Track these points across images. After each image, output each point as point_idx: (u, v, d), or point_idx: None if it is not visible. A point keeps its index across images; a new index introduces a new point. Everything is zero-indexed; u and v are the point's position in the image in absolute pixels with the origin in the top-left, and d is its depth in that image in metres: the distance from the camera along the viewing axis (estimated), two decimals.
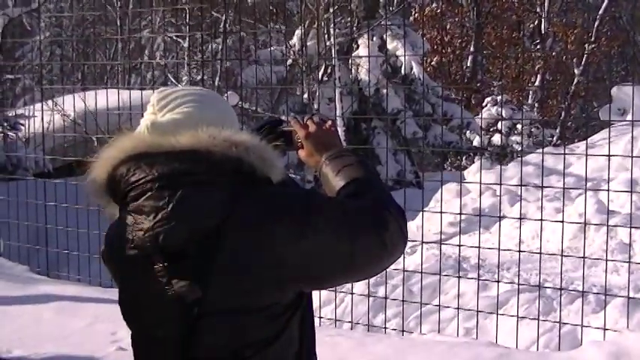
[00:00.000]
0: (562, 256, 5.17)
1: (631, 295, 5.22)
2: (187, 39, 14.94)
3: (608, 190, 5.59)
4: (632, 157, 5.97)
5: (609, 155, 5.07)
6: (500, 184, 6.26)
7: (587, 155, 5.52)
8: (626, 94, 11.70)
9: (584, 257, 4.98)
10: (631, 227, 5.48)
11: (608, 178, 6.36)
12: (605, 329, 4.81)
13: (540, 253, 5.16)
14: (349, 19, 15.98)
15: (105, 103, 6.78)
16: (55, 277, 6.82)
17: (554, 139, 18.51)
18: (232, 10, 14.99)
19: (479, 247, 5.32)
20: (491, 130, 16.69)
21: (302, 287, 1.62)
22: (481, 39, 21.83)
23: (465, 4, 22.23)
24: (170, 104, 1.68)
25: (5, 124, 11.78)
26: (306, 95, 14.57)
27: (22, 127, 11.70)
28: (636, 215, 7.70)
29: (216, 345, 1.56)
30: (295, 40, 15.47)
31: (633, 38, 25.22)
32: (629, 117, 10.40)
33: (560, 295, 5.55)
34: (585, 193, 6.30)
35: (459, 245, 5.53)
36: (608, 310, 5.74)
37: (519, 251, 5.23)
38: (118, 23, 21.66)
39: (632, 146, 7.78)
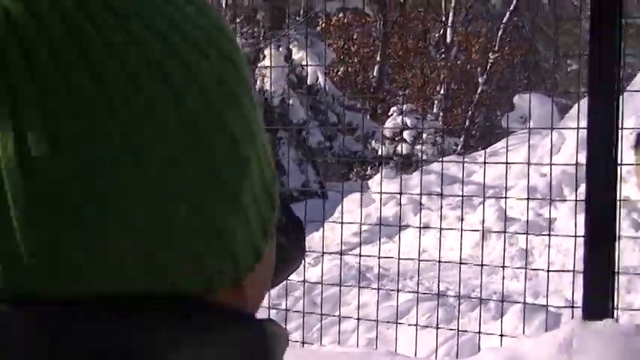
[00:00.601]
0: (460, 263, 5.20)
1: (529, 301, 5.29)
2: None
3: (505, 198, 5.66)
4: (528, 164, 6.05)
5: (506, 163, 5.13)
6: (401, 193, 6.29)
7: (485, 163, 5.58)
8: (527, 102, 11.94)
9: (482, 265, 5.02)
10: (527, 234, 5.55)
11: (506, 185, 6.45)
12: (501, 335, 4.85)
13: (439, 262, 5.18)
14: (255, 29, 15.95)
15: None
16: None
17: (459, 147, 18.77)
18: None
19: (379, 257, 5.31)
20: (397, 139, 16.83)
21: None
22: (387, 48, 22.03)
23: (372, 14, 22.41)
24: None
25: None
26: None
27: None
28: (534, 222, 7.83)
29: None
30: None
31: (535, 47, 25.81)
32: (529, 125, 10.59)
33: (459, 304, 5.59)
34: (484, 202, 6.37)
35: (359, 255, 5.52)
36: (507, 317, 5.80)
37: (419, 260, 5.25)
38: None
39: (528, 154, 7.90)
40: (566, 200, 8.07)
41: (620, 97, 2.84)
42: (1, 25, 0.50)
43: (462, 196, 5.65)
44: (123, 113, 0.51)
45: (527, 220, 6.40)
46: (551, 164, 5.92)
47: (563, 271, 5.90)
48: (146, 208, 0.53)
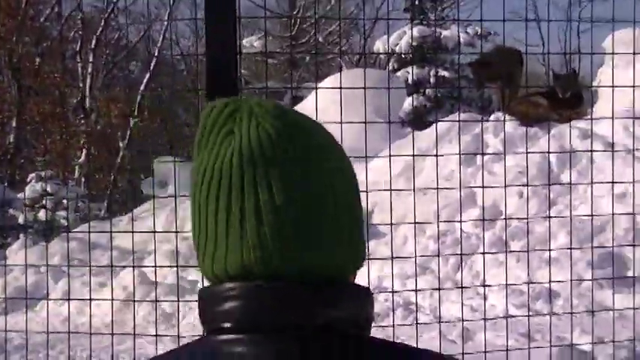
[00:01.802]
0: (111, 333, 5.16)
1: None
2: None
3: (155, 265, 5.70)
4: (176, 232, 6.16)
5: (154, 232, 5.19)
6: (47, 264, 6.12)
7: (132, 232, 5.60)
8: (166, 167, 12.15)
9: (134, 333, 5.02)
10: (178, 300, 5.61)
11: (155, 248, 6.52)
12: None
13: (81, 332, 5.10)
14: None
15: None
16: None
17: (102, 212, 18.59)
18: None
19: (26, 330, 5.13)
20: (37, 206, 16.32)
21: None
22: (24, 114, 21.35)
23: (5, 80, 21.64)
24: None
25: None
26: None
27: None
28: (180, 286, 7.94)
29: None
30: None
31: (175, 112, 26.33)
32: (170, 189, 10.80)
33: None
34: (133, 267, 6.38)
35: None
36: None
37: (65, 332, 5.13)
38: None
39: (175, 217, 8.06)
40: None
41: None
42: (267, 142, 1.07)
43: (111, 265, 5.60)
44: (319, 185, 1.09)
45: (178, 285, 6.49)
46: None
47: (192, 336, 6.02)
48: (344, 218, 1.12)
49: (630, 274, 6.53)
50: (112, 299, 5.17)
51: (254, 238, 1.05)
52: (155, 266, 6.04)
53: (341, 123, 3.64)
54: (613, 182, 4.68)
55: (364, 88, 3.82)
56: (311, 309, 1.06)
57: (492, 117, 9.46)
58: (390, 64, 19.31)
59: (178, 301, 5.47)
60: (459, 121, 5.71)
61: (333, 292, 1.08)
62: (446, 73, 18.24)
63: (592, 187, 4.72)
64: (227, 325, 1.07)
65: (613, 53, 6.46)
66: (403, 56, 18.84)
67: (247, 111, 1.09)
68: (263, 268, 1.06)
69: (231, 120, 1.09)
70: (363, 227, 1.17)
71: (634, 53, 4.69)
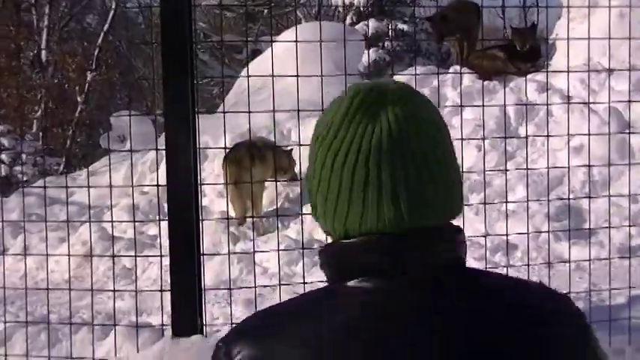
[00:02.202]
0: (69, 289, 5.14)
1: (133, 319, 5.36)
2: None
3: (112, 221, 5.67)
4: (132, 186, 6.10)
5: (111, 186, 5.15)
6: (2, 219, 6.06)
7: (89, 187, 5.56)
8: (124, 122, 12.04)
9: (92, 289, 5.00)
10: (136, 255, 5.58)
11: (111, 204, 6.49)
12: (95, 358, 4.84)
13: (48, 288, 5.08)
14: None
15: None
16: None
17: (61, 167, 18.43)
18: None
19: None
20: None
21: None
22: None
23: None
24: None
25: None
26: None
27: None
28: (137, 240, 7.92)
29: None
30: None
31: (134, 65, 26.06)
32: (129, 144, 10.72)
33: (71, 326, 5.51)
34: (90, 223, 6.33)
35: None
36: (111, 338, 5.81)
37: (26, 287, 5.10)
38: None
39: (132, 172, 8.00)
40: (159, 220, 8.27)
41: (197, 116, 3.00)
42: (406, 125, 1.34)
43: (67, 221, 5.56)
44: (439, 155, 1.35)
45: (135, 239, 6.46)
46: (158, 184, 6.03)
47: (151, 291, 6.03)
48: (454, 180, 1.38)
49: (586, 225, 6.62)
50: (70, 254, 5.15)
51: (389, 200, 1.30)
52: (112, 221, 6.01)
53: (297, 76, 3.63)
54: (569, 135, 4.72)
55: (320, 41, 3.81)
56: (436, 251, 1.34)
57: (451, 70, 9.46)
58: (349, 17, 19.21)
59: (136, 256, 5.48)
60: (415, 74, 5.71)
61: (449, 237, 1.37)
62: (405, 27, 18.19)
63: (548, 140, 4.79)
64: (369, 269, 1.32)
65: (568, 7, 6.48)
66: (362, 9, 18.75)
67: (391, 97, 1.35)
68: (396, 225, 1.31)
69: (377, 104, 1.34)
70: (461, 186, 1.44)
71: (589, 7, 4.71)
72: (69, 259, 5.19)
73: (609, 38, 4.25)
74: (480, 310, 1.31)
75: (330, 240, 1.39)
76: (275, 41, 7.02)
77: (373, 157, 1.30)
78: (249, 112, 3.64)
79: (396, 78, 8.41)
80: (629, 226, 5.02)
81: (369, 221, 1.31)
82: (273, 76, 3.68)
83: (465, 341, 1.29)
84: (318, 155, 1.36)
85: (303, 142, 4.71)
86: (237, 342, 1.34)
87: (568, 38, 4.46)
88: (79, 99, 21.13)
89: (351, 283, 1.32)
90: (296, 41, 3.82)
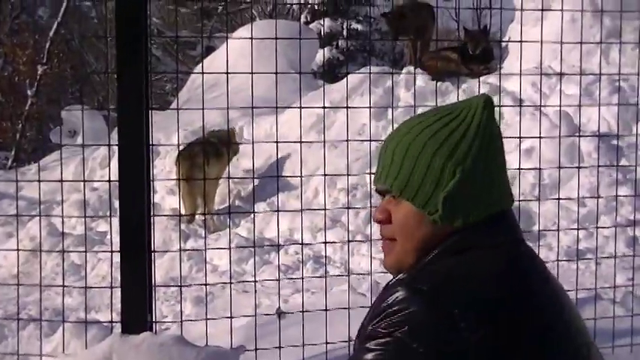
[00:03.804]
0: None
1: (82, 316, 5.30)
2: None
3: (62, 216, 5.61)
4: (83, 181, 6.03)
5: (61, 181, 5.08)
6: None
7: (39, 181, 5.48)
8: (75, 116, 11.92)
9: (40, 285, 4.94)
10: (86, 251, 5.51)
11: (62, 199, 6.42)
12: (41, 355, 4.79)
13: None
14: None
15: None
16: None
17: (9, 161, 18.18)
18: None
19: None
20: None
21: None
22: None
23: None
24: None
25: None
26: None
27: None
28: (87, 236, 7.84)
29: None
30: None
31: (86, 60, 25.79)
32: (80, 139, 10.61)
33: (18, 322, 5.44)
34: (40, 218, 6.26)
35: None
36: (59, 334, 5.75)
37: None
38: None
39: (83, 168, 7.92)
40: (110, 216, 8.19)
41: (150, 112, 2.98)
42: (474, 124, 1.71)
43: (17, 215, 5.48)
44: (491, 155, 1.71)
45: (85, 235, 6.40)
46: (110, 180, 5.97)
47: (100, 287, 5.99)
48: (499, 175, 1.72)
49: (536, 228, 6.69)
50: (18, 249, 5.07)
51: (503, 188, 1.75)
52: (62, 216, 5.95)
53: (251, 73, 3.62)
54: (520, 137, 4.77)
55: (275, 38, 3.80)
56: (518, 229, 1.75)
57: (404, 71, 9.51)
58: (304, 15, 19.21)
59: (85, 251, 5.41)
60: (369, 73, 5.72)
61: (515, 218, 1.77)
62: (359, 26, 18.24)
63: None
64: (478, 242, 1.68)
65: (522, 10, 6.55)
66: (317, 8, 18.77)
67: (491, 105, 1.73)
68: (499, 208, 1.70)
69: (493, 117, 1.74)
70: None
71: (542, 10, 4.76)
72: (17, 254, 5.11)
73: (561, 42, 4.30)
74: (549, 277, 1.75)
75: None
76: (229, 38, 7.01)
77: (502, 153, 1.73)
78: (202, 108, 3.62)
79: (350, 77, 8.45)
80: (577, 229, 5.07)
81: (502, 202, 1.72)
82: (227, 73, 3.66)
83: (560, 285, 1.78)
84: (480, 149, 1.68)
85: (256, 139, 4.74)
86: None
87: (521, 42, 4.50)
88: (29, 92, 20.85)
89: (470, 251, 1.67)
90: (251, 38, 3.81)
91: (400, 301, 1.56)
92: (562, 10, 4.39)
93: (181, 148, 8.01)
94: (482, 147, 1.69)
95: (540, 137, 5.16)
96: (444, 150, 1.67)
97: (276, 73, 4.01)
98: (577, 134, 7.55)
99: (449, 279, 1.60)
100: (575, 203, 5.85)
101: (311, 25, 17.62)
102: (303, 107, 4.66)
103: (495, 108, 1.73)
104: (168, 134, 8.92)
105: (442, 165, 1.66)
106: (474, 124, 1.69)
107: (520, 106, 6.01)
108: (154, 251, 3.36)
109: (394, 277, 1.70)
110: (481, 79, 8.41)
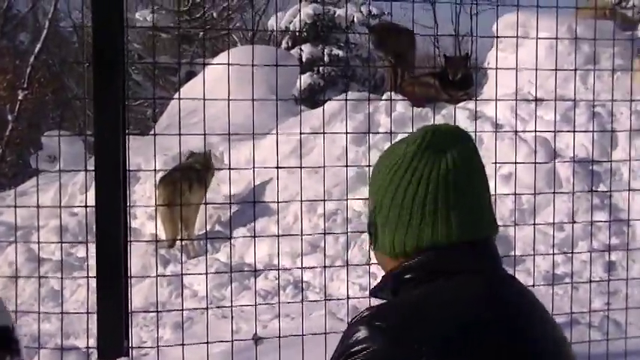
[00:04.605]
0: None
1: (59, 341, 5.27)
2: None
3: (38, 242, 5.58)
4: (60, 207, 6.02)
5: (38, 207, 5.07)
6: None
7: (16, 207, 5.47)
8: (56, 142, 11.89)
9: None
10: (62, 277, 5.49)
11: (38, 225, 6.38)
12: None
13: None
14: None
15: None
16: None
17: None
18: None
19: None
20: None
21: None
22: None
23: None
24: None
25: None
26: None
27: None
28: (66, 261, 7.81)
29: None
30: None
31: (67, 85, 25.73)
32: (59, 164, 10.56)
33: None
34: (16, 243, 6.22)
35: None
36: None
37: None
38: None
39: (60, 194, 7.89)
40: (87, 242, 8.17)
41: (127, 138, 2.98)
42: (466, 163, 1.68)
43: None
44: (483, 186, 1.74)
45: (62, 261, 6.36)
46: (87, 205, 5.95)
47: (77, 313, 5.96)
48: (485, 198, 1.71)
49: (513, 253, 6.72)
50: None
51: (456, 217, 1.64)
52: (39, 242, 5.92)
53: (228, 100, 3.63)
54: (496, 163, 4.80)
55: (252, 65, 3.82)
56: (485, 258, 1.68)
57: (384, 96, 9.56)
58: (285, 41, 19.28)
59: (62, 278, 5.39)
60: (346, 100, 5.75)
61: (495, 248, 1.72)
62: (339, 52, 18.32)
63: None
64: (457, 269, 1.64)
65: (497, 37, 6.61)
66: (297, 34, 18.84)
67: (451, 138, 1.68)
68: (446, 241, 1.63)
69: (442, 143, 1.66)
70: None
71: (517, 37, 4.81)
72: None
73: (536, 69, 4.35)
74: (530, 301, 1.69)
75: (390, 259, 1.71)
76: (208, 64, 7.03)
77: (441, 185, 1.63)
78: (179, 134, 3.63)
79: (330, 103, 8.48)
80: (553, 254, 5.11)
81: (424, 240, 1.63)
82: (204, 99, 3.68)
83: (532, 314, 1.66)
84: (391, 181, 1.68)
85: (236, 164, 4.74)
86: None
87: (496, 69, 4.55)
88: (9, 117, 20.78)
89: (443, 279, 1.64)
90: (228, 64, 3.83)
91: (361, 341, 1.53)
92: (537, 37, 4.44)
93: (163, 173, 8.00)
94: (403, 178, 1.67)
95: (516, 163, 5.19)
96: (373, 180, 1.76)
97: (253, 100, 4.03)
98: (554, 160, 7.60)
99: (411, 313, 1.56)
100: (553, 228, 5.89)
101: (292, 51, 17.68)
102: (280, 133, 4.67)
103: (444, 138, 1.68)
104: (148, 159, 8.91)
105: (369, 194, 1.78)
106: (408, 154, 1.68)
107: (496, 131, 6.06)
108: (132, 277, 3.35)
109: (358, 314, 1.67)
110: (460, 104, 8.46)
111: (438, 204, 1.63)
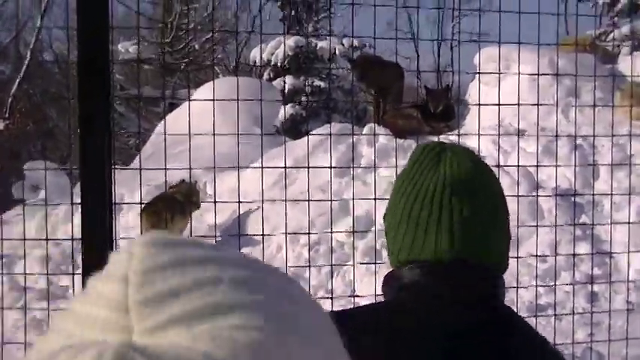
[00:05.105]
0: None
1: None
2: None
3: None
4: (46, 239, 6.02)
5: (24, 239, 5.06)
6: None
7: (2, 239, 5.44)
8: (37, 171, 11.87)
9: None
10: (48, 308, 5.47)
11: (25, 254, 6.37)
12: None
13: None
14: None
15: None
16: None
17: None
18: None
19: None
20: None
21: None
22: None
23: None
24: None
25: None
26: None
27: None
28: (51, 292, 7.77)
29: None
30: None
31: (49, 115, 25.70)
32: (42, 194, 10.54)
33: None
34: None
35: None
36: None
37: None
38: None
39: (46, 224, 7.88)
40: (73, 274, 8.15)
41: (113, 171, 3.00)
42: (464, 176, 1.62)
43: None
44: (491, 204, 1.63)
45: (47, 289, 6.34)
46: (73, 238, 5.95)
47: None
48: (504, 227, 1.65)
49: None
50: None
51: (446, 237, 1.57)
52: (25, 273, 5.90)
53: (213, 135, 3.67)
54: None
55: (237, 100, 3.85)
56: (472, 284, 1.58)
57: (366, 128, 9.62)
58: (267, 73, 19.36)
59: (49, 308, 5.37)
60: (329, 135, 5.79)
61: (485, 275, 1.59)
62: (321, 84, 18.41)
63: None
64: (416, 290, 1.58)
65: (479, 72, 6.69)
66: (279, 65, 18.93)
67: (450, 152, 1.64)
68: (449, 257, 1.56)
69: (438, 157, 1.63)
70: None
71: (499, 73, 4.87)
72: None
73: (518, 105, 4.41)
74: (508, 348, 1.56)
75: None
76: (191, 97, 7.06)
77: (435, 198, 1.59)
78: (165, 168, 3.65)
79: (311, 136, 8.52)
80: (536, 286, 5.14)
81: (428, 254, 1.59)
82: (189, 135, 3.71)
83: None
84: (394, 197, 1.69)
85: (220, 195, 4.76)
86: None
87: (479, 105, 4.60)
88: None
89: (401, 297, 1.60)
90: (213, 100, 3.86)
91: None
92: (519, 73, 4.50)
93: (145, 203, 8.01)
94: (400, 197, 1.66)
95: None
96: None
97: (238, 134, 4.06)
98: (537, 191, 7.66)
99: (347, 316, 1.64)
100: (536, 260, 5.93)
101: (274, 82, 17.76)
102: (265, 167, 4.69)
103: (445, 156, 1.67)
104: (132, 190, 8.90)
105: None
106: (404, 170, 1.70)
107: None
108: None
109: None
110: (442, 136, 8.53)
111: (430, 217, 1.60)
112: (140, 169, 4.14)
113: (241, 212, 6.25)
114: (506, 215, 1.66)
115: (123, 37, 21.37)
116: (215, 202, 4.20)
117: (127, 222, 9.13)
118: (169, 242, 0.66)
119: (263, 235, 4.42)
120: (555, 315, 5.29)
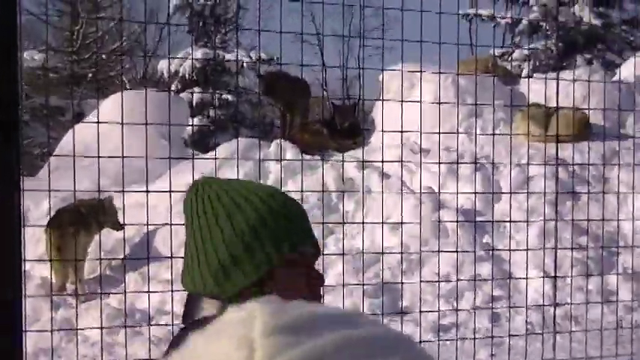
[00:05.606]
0: None
1: None
2: None
3: None
4: None
5: None
6: None
7: None
8: None
9: None
10: None
11: None
12: None
13: None
14: None
15: None
16: None
17: None
18: None
19: None
20: None
21: None
22: None
23: None
24: None
25: None
26: None
27: None
28: None
29: None
30: None
31: None
32: None
33: None
34: None
35: None
36: None
37: None
38: None
39: None
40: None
41: (21, 184, 2.97)
42: (206, 204, 1.86)
43: None
44: (229, 226, 1.81)
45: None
46: None
47: None
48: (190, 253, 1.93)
49: (401, 304, 6.79)
50: None
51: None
52: None
53: (123, 155, 3.68)
54: (382, 213, 4.93)
55: (146, 114, 3.87)
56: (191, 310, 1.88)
57: (273, 144, 9.65)
58: (174, 84, 19.22)
59: None
60: (237, 153, 5.83)
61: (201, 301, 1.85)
62: (229, 97, 18.37)
63: (365, 217, 4.94)
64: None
65: (382, 100, 6.81)
66: (187, 77, 18.83)
67: (202, 186, 1.84)
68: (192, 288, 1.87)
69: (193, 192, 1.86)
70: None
71: (402, 101, 4.96)
72: None
73: (420, 132, 4.52)
74: None
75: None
76: (100, 118, 7.03)
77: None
78: (74, 188, 3.65)
79: (221, 147, 8.50)
80: (439, 308, 5.23)
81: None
82: (98, 157, 3.71)
83: None
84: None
85: (127, 207, 4.74)
86: None
87: (383, 132, 4.71)
88: None
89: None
90: (122, 119, 3.87)
91: None
92: (420, 101, 4.61)
93: (51, 215, 7.89)
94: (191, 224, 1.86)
95: (402, 213, 5.33)
96: None
97: (147, 154, 4.08)
98: (439, 211, 7.78)
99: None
100: (438, 280, 5.99)
101: (181, 95, 17.65)
102: (175, 189, 4.69)
103: (210, 188, 1.86)
104: (38, 201, 8.76)
105: None
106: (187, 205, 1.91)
107: (382, 183, 6.17)
108: (26, 331, 3.29)
109: None
110: (349, 153, 8.61)
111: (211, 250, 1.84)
112: (50, 188, 4.11)
113: (150, 227, 6.23)
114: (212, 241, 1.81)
115: (29, 44, 20.93)
116: (124, 224, 4.19)
117: (34, 233, 8.97)
118: None
119: (172, 256, 4.44)
120: (457, 336, 5.37)
